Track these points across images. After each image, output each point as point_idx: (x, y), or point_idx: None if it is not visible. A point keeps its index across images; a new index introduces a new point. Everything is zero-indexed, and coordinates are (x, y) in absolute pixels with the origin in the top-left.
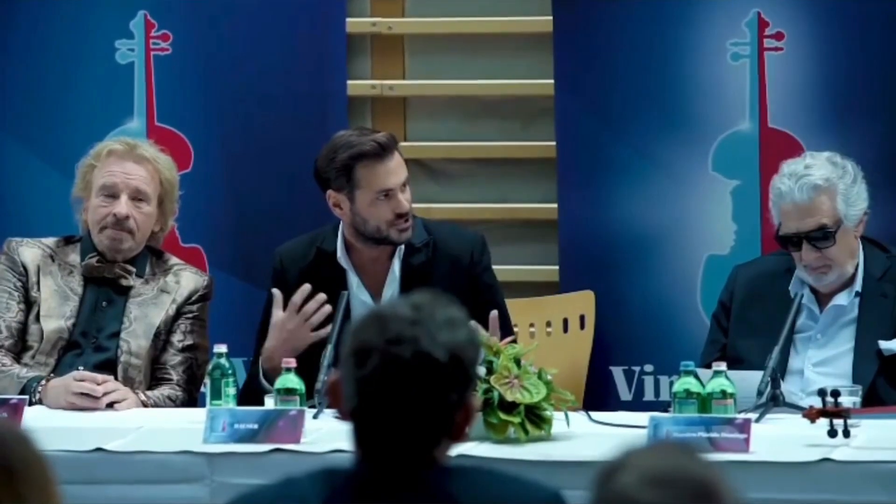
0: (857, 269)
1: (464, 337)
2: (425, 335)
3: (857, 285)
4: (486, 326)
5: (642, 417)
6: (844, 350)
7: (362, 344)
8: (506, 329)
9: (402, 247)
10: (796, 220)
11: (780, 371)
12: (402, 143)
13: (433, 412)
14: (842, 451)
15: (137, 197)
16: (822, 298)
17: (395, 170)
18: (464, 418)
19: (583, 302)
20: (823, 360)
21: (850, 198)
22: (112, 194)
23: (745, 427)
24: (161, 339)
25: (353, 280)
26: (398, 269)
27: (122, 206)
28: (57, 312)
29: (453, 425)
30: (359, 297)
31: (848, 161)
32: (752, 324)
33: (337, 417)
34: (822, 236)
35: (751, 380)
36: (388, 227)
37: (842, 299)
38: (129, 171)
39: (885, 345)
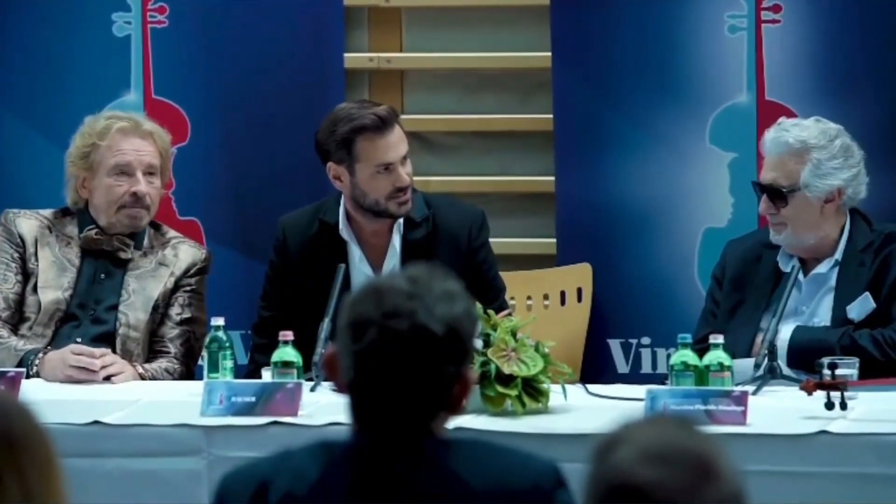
0: (839, 240)
1: (461, 310)
2: (422, 308)
3: (838, 254)
4: (482, 301)
5: (639, 390)
6: (826, 319)
7: (359, 317)
8: (500, 304)
9: (402, 221)
10: (763, 171)
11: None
12: (400, 116)
13: (430, 385)
14: (839, 423)
15: (149, 172)
16: (806, 269)
17: (395, 143)
18: (461, 391)
19: (580, 275)
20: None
21: (820, 169)
22: (126, 172)
23: (742, 399)
24: (159, 312)
25: (356, 252)
26: (398, 243)
27: (142, 184)
28: (54, 284)
29: (450, 398)
30: (360, 269)
31: (842, 138)
32: (742, 296)
33: (334, 390)
34: (774, 192)
35: (740, 367)
36: (387, 201)
37: (821, 268)
38: (138, 148)
39: (852, 312)
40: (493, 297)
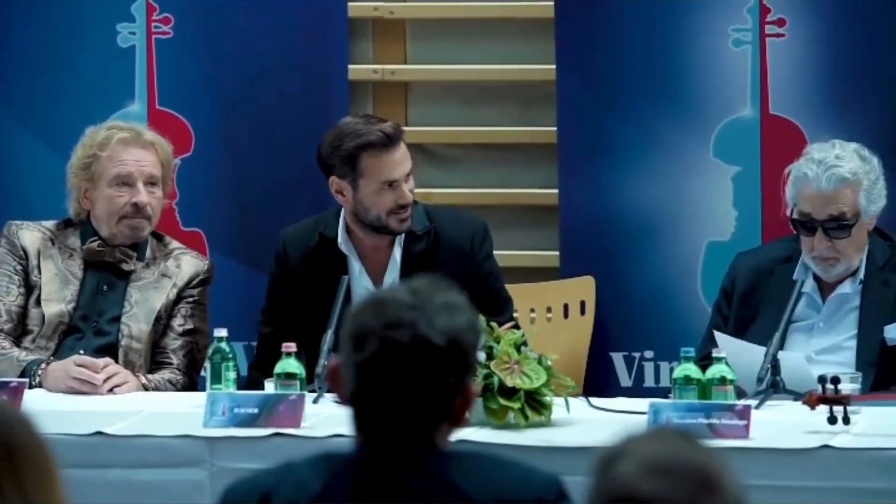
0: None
1: (463, 322)
2: (424, 320)
3: (861, 273)
4: (485, 313)
5: (642, 403)
6: (847, 337)
7: (361, 328)
8: (508, 317)
9: (403, 234)
10: (816, 207)
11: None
12: (404, 128)
13: (431, 397)
14: (841, 437)
15: (150, 182)
16: (825, 287)
17: (400, 161)
18: (463, 403)
19: (583, 287)
20: (826, 349)
21: (872, 194)
22: (127, 183)
23: (744, 413)
24: (162, 323)
25: (355, 266)
26: (399, 256)
27: (143, 194)
28: (57, 296)
29: (452, 410)
30: (361, 282)
31: (875, 156)
32: (753, 311)
33: (337, 402)
34: (839, 227)
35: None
36: (388, 217)
37: (846, 288)
38: (139, 158)
39: (890, 333)
40: (500, 310)
